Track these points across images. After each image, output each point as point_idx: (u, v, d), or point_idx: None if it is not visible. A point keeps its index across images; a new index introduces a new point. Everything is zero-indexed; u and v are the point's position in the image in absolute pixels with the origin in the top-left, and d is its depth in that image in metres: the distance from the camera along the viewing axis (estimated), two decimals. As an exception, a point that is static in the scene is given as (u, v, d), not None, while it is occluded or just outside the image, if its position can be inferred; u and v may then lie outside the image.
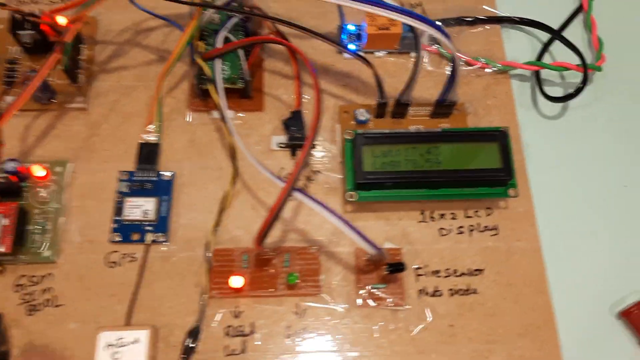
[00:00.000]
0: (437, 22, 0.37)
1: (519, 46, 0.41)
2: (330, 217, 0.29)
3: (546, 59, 0.40)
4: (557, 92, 0.39)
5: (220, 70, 0.34)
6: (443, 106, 0.36)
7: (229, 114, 0.37)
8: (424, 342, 0.33)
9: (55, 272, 0.34)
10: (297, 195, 0.29)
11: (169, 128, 0.37)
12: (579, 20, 0.42)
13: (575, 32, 0.42)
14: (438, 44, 0.39)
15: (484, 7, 0.42)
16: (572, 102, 0.39)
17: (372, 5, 0.29)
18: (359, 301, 0.33)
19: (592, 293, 0.35)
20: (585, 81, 0.37)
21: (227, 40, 0.35)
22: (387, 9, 0.29)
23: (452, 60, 0.32)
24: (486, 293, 0.34)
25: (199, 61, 0.33)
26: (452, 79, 0.34)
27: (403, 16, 0.29)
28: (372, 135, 0.34)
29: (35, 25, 0.36)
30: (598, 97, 0.40)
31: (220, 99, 0.33)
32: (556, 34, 0.39)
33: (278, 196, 0.29)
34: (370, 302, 0.33)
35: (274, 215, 0.29)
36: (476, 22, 0.40)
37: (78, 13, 0.34)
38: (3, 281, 0.33)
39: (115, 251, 0.34)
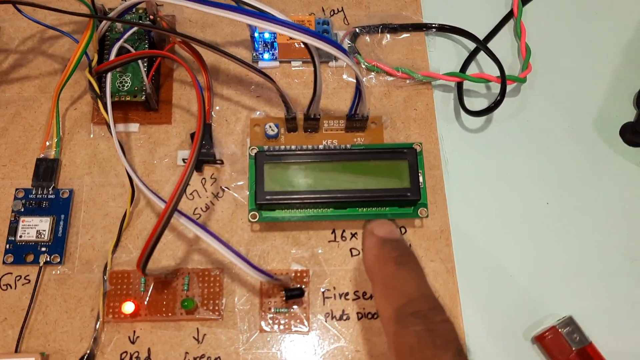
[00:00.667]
0: (346, 35, 0.36)
1: (445, 55, 0.39)
2: (216, 244, 0.28)
3: (473, 69, 0.39)
4: (482, 104, 0.38)
5: (109, 84, 0.32)
6: (356, 120, 0.35)
7: (133, 127, 0.35)
8: (326, 369, 0.32)
9: (-58, 296, 0.32)
10: (181, 219, 0.28)
11: (71, 142, 0.36)
12: (510, 27, 0.41)
13: (505, 40, 0.40)
14: (357, 52, 0.38)
15: (408, 14, 0.40)
16: (496, 115, 0.38)
17: (260, 19, 0.28)
18: (263, 325, 0.32)
19: (507, 316, 0.33)
20: (503, 94, 0.35)
21: (125, 51, 0.33)
22: (277, 24, 0.27)
23: (356, 76, 0.31)
24: (396, 316, 0.33)
25: (87, 75, 0.32)
26: (357, 94, 0.32)
27: (294, 32, 0.28)
28: (275, 152, 0.32)
29: None
30: (522, 109, 0.38)
31: (108, 114, 0.31)
32: (479, 43, 0.38)
33: (158, 219, 0.27)
34: (274, 327, 0.32)
35: (153, 239, 0.27)
36: (399, 29, 0.39)
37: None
38: None
39: (8, 273, 0.33)
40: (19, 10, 0.33)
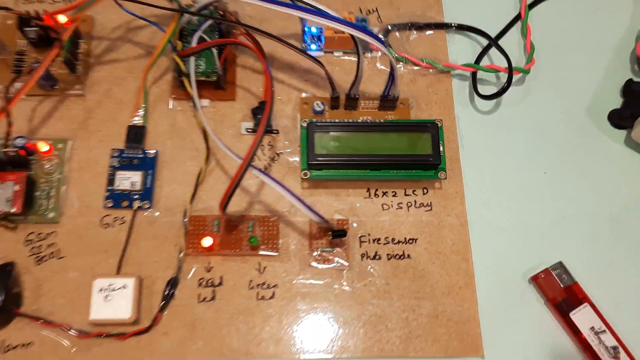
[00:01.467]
0: (381, 32, 0.44)
1: (462, 49, 0.47)
2: (280, 189, 0.36)
3: (485, 61, 0.47)
4: (492, 90, 0.45)
5: (193, 65, 0.40)
6: (388, 100, 0.43)
7: (205, 102, 0.43)
8: (363, 296, 0.39)
9: (58, 230, 0.40)
10: (254, 170, 0.36)
11: (154, 113, 0.44)
12: (517, 27, 0.48)
13: (513, 37, 0.48)
14: (389, 45, 0.45)
15: (432, 14, 0.48)
16: (503, 100, 0.45)
17: (316, 15, 0.35)
18: (311, 261, 0.40)
19: (509, 262, 0.41)
20: (509, 82, 0.43)
21: (202, 40, 0.41)
22: (330, 20, 0.35)
23: (390, 63, 0.39)
24: (418, 258, 0.41)
25: (175, 57, 0.40)
26: (391, 77, 0.40)
27: (344, 26, 0.35)
28: (323, 123, 0.40)
29: (38, 22, 0.42)
30: (526, 96, 0.46)
31: (193, 90, 0.39)
32: (492, 40, 0.46)
33: (237, 170, 0.35)
34: (320, 263, 0.40)
35: (234, 185, 0.35)
36: (424, 27, 0.47)
37: (76, 14, 0.40)
38: (15, 237, 0.40)
39: (108, 215, 0.41)
40: (118, 4, 0.41)
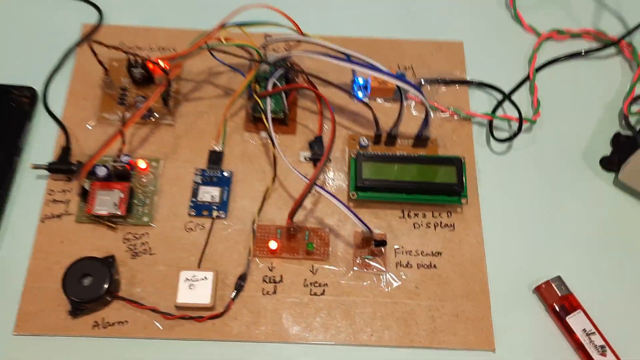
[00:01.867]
0: (415, 83, 0.54)
1: (481, 101, 0.57)
2: (338, 203, 0.45)
3: (499, 112, 0.57)
4: (505, 135, 0.55)
5: (269, 105, 0.50)
6: (421, 139, 0.52)
7: (273, 134, 0.53)
8: (396, 296, 0.48)
9: (150, 232, 0.49)
10: (317, 188, 0.45)
11: (230, 142, 0.54)
12: (526, 86, 0.59)
13: (523, 94, 0.58)
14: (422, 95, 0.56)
15: (458, 72, 0.58)
16: (514, 144, 0.55)
17: (371, 69, 0.46)
18: (355, 266, 0.49)
19: (517, 275, 0.50)
20: (520, 129, 0.53)
21: (274, 85, 0.52)
22: (381, 73, 0.46)
23: (425, 109, 0.49)
24: (442, 268, 0.49)
25: (257, 98, 0.50)
26: (425, 121, 0.50)
27: (392, 78, 0.46)
28: (369, 154, 0.50)
29: (144, 66, 0.53)
30: (533, 142, 0.56)
31: (269, 124, 0.49)
32: (505, 95, 0.56)
33: (304, 187, 0.45)
34: (362, 268, 0.49)
35: (302, 199, 0.45)
36: (450, 82, 0.57)
37: (177, 61, 0.51)
38: (115, 235, 0.49)
39: (191, 221, 0.50)
40: (213, 56, 0.52)
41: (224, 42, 0.49)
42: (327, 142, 0.46)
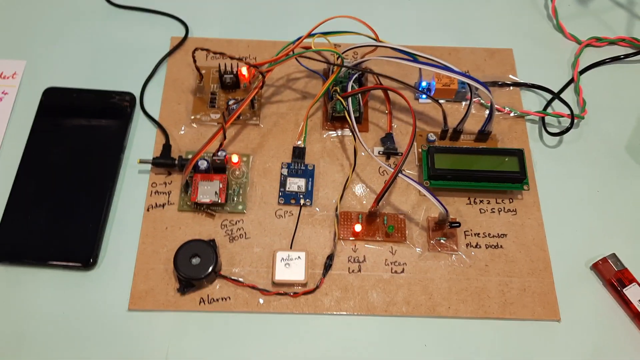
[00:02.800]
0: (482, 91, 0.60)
1: (532, 100, 0.63)
2: (420, 187, 0.51)
3: (549, 110, 0.63)
4: (557, 130, 0.61)
5: (351, 105, 0.56)
6: (483, 134, 0.58)
7: (347, 132, 0.59)
8: (469, 274, 0.53)
9: (244, 218, 0.55)
10: (401, 175, 0.51)
11: (310, 139, 0.60)
12: (571, 88, 0.65)
13: (569, 95, 0.64)
14: (479, 96, 0.62)
15: (510, 75, 0.64)
16: (565, 137, 0.61)
17: (447, 71, 0.52)
18: (430, 248, 0.54)
19: (576, 253, 0.55)
20: (572, 124, 0.59)
21: (352, 87, 0.58)
22: (456, 73, 0.52)
23: (490, 105, 0.55)
24: (508, 248, 0.55)
25: (340, 98, 0.56)
26: (489, 116, 0.56)
27: (464, 78, 0.52)
28: (440, 147, 0.56)
29: (234, 72, 0.59)
30: (582, 136, 0.61)
31: (352, 120, 0.55)
32: (555, 95, 0.62)
33: (390, 174, 0.50)
34: (437, 249, 0.54)
35: (388, 185, 0.50)
36: (504, 85, 0.63)
37: (269, 67, 0.57)
38: (214, 222, 0.55)
39: (280, 209, 0.56)
40: (298, 62, 0.58)
41: (313, 47, 0.55)
42: (406, 139, 0.52)
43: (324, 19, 0.56)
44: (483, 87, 0.53)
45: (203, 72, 0.62)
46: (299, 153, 0.58)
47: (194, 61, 0.56)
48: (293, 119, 0.61)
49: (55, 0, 0.68)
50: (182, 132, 0.59)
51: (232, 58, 0.54)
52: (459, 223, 0.53)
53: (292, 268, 0.52)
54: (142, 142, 0.59)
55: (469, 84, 0.53)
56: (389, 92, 0.60)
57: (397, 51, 0.56)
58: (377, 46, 0.57)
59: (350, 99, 0.57)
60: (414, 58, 0.55)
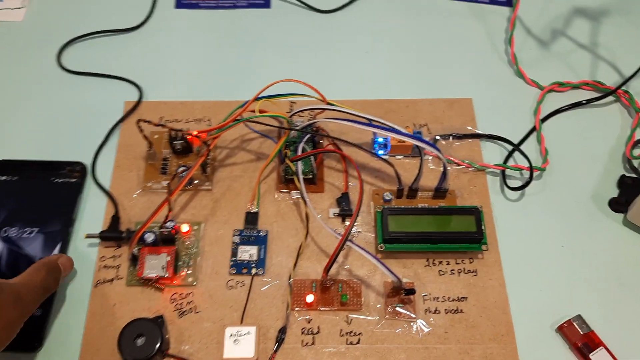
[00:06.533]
0: (430, 141, 0.58)
1: (492, 153, 0.62)
2: (370, 257, 0.49)
3: (510, 162, 0.61)
4: (517, 183, 0.59)
5: (301, 168, 0.55)
6: (440, 191, 0.57)
7: (305, 195, 0.58)
8: (427, 341, 0.51)
9: (194, 291, 0.53)
10: (349, 243, 0.49)
11: (264, 202, 0.58)
12: (534, 136, 0.63)
13: (531, 143, 0.63)
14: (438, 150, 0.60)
15: (469, 127, 0.63)
16: (527, 191, 0.59)
17: (392, 132, 0.51)
18: (387, 315, 0.52)
19: (540, 315, 0.53)
20: (531, 178, 0.57)
21: (303, 149, 0.56)
22: (401, 135, 0.50)
23: (443, 164, 0.53)
24: (469, 313, 0.53)
25: (289, 162, 0.55)
26: (443, 175, 0.54)
27: (412, 139, 0.51)
28: (394, 208, 0.54)
29: (184, 138, 0.58)
30: (544, 188, 0.60)
31: (302, 185, 0.54)
32: (515, 146, 0.60)
33: (338, 243, 0.49)
34: (394, 316, 0.52)
35: (336, 254, 0.49)
36: (463, 137, 0.62)
37: (217, 133, 0.56)
38: (163, 296, 0.53)
39: (232, 279, 0.54)
40: (247, 126, 0.57)
41: (258, 113, 0.54)
42: (357, 199, 0.50)
43: (270, 83, 0.55)
44: (431, 148, 0.51)
45: (156, 136, 0.61)
46: (251, 219, 0.57)
47: (141, 130, 0.55)
48: (247, 182, 0.59)
49: (4, 68, 0.68)
50: (133, 202, 0.58)
51: (173, 130, 0.53)
52: (413, 290, 0.51)
53: (241, 344, 0.50)
54: (92, 213, 0.58)
55: (416, 145, 0.52)
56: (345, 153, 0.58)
57: (345, 113, 0.54)
58: (324, 109, 0.56)
59: (301, 162, 0.55)
60: (367, 121, 0.53)
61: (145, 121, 0.53)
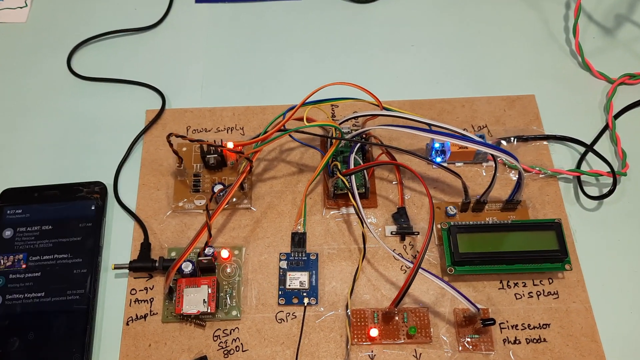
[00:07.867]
0: (505, 148, 0.52)
1: (562, 156, 0.55)
2: (445, 285, 0.42)
3: (584, 165, 0.54)
4: (594, 190, 0.53)
5: (355, 182, 0.48)
6: (511, 203, 0.50)
7: (352, 210, 0.51)
8: (510, 377, 0.45)
9: (240, 326, 0.47)
10: (422, 271, 0.43)
11: (310, 220, 0.52)
12: (606, 136, 0.56)
13: (604, 144, 0.56)
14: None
15: (534, 127, 0.56)
16: (605, 199, 0.53)
17: (465, 141, 0.44)
18: (460, 348, 0.46)
19: (634, 340, 0.46)
20: (615, 185, 0.51)
21: (355, 161, 0.50)
22: (472, 142, 0.44)
23: (519, 173, 0.47)
24: (553, 342, 0.46)
25: (341, 176, 0.48)
26: (518, 185, 0.48)
27: (485, 148, 0.44)
28: (463, 225, 0.48)
29: (218, 151, 0.51)
30: (623, 194, 0.53)
31: (357, 202, 0.47)
32: (589, 147, 0.54)
33: (408, 273, 0.42)
34: (469, 349, 0.46)
35: (407, 285, 0.42)
36: (529, 139, 0.55)
37: (258, 146, 0.49)
38: (205, 333, 0.47)
39: (282, 311, 0.48)
40: (292, 137, 0.50)
41: (305, 122, 0.47)
42: (418, 215, 0.44)
43: (317, 88, 0.48)
44: (509, 157, 0.45)
45: (184, 149, 0.54)
46: (298, 240, 0.50)
47: (171, 145, 0.48)
48: (290, 198, 0.53)
49: (14, 77, 0.61)
50: (163, 224, 0.51)
51: (210, 146, 0.46)
52: (493, 320, 0.45)
53: (298, 389, 0.44)
54: (119, 237, 0.51)
55: (492, 155, 0.45)
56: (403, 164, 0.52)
57: (401, 118, 0.48)
58: (377, 115, 0.49)
59: (353, 176, 0.49)
60: (428, 127, 0.47)
61: (178, 136, 0.46)
